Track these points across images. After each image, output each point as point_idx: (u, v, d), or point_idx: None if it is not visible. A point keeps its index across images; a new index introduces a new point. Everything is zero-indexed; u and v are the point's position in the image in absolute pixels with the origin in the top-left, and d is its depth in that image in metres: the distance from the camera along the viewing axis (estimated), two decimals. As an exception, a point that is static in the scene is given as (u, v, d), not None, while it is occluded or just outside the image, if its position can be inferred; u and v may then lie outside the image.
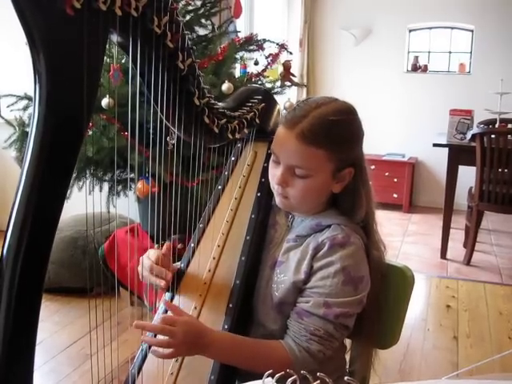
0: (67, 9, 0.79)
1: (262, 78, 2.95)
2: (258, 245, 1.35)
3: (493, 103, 4.25)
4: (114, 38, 1.00)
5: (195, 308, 1.28)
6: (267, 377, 0.78)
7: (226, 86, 2.49)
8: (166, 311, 1.26)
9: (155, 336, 1.16)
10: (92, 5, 0.84)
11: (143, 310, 2.67)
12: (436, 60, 6.09)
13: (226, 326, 1.23)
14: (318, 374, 0.74)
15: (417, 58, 6.08)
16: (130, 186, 2.78)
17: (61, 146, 0.85)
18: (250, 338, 1.24)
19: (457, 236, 4.60)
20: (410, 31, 6.04)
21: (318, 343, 1.19)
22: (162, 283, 1.26)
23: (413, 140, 5.95)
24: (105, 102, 2.28)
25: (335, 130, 1.21)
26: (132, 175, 2.71)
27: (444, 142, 4.25)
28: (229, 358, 1.19)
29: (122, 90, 2.18)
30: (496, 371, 2.31)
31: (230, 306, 1.25)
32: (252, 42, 2.95)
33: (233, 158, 1.53)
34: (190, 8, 2.89)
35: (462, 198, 4.79)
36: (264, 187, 1.42)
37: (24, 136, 2.66)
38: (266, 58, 2.96)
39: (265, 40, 2.98)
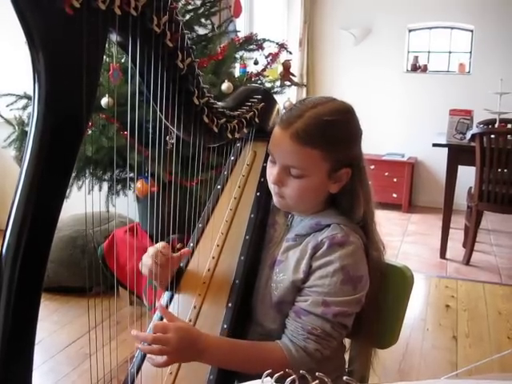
0: (66, 8, 0.79)
1: (261, 78, 2.95)
2: (257, 244, 1.35)
3: (492, 103, 4.25)
4: (114, 37, 1.00)
5: (194, 307, 1.28)
6: (266, 376, 0.78)
7: (225, 86, 2.49)
8: (161, 318, 1.25)
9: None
10: (91, 4, 0.84)
11: (142, 310, 2.67)
12: (436, 60, 6.09)
13: (225, 326, 1.23)
14: (317, 373, 0.73)
15: (416, 57, 6.08)
16: (130, 186, 2.78)
17: (60, 146, 0.85)
18: (246, 340, 1.24)
19: (456, 236, 4.60)
20: (410, 31, 6.04)
21: (316, 342, 1.19)
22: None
23: (412, 140, 5.95)
24: (104, 101, 2.28)
25: (330, 130, 1.20)
26: (131, 175, 2.72)
27: (444, 141, 4.25)
28: (225, 363, 1.19)
29: (122, 90, 2.18)
30: (495, 371, 2.31)
31: (230, 305, 1.25)
32: (252, 42, 2.95)
33: (232, 158, 1.53)
34: (190, 7, 2.89)
35: (461, 197, 4.79)
36: (263, 187, 1.42)
37: (23, 135, 2.66)
38: (266, 57, 2.96)
39: (264, 39, 2.98)
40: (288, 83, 3.09)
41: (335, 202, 1.31)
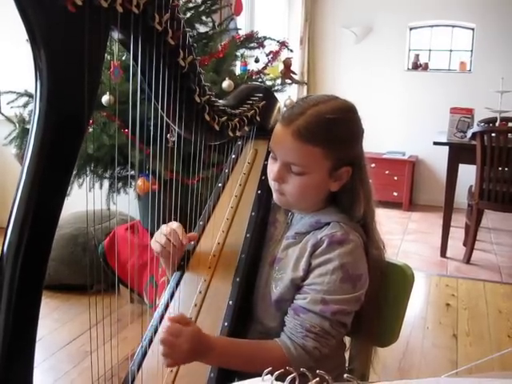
0: (68, 5, 0.79)
1: (262, 76, 2.95)
2: (257, 242, 1.35)
3: (493, 102, 4.25)
4: (115, 35, 1.00)
5: (195, 305, 1.28)
6: (266, 374, 0.78)
7: (226, 84, 2.49)
8: (162, 315, 1.26)
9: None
10: (93, 2, 0.84)
11: (143, 307, 2.68)
12: (437, 58, 6.09)
13: (225, 324, 1.23)
14: (318, 371, 0.74)
15: (417, 56, 6.07)
16: (130, 184, 2.78)
17: (62, 143, 0.85)
18: (245, 340, 1.24)
19: (457, 234, 4.60)
20: (411, 29, 6.04)
21: (314, 340, 1.19)
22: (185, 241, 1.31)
23: (413, 138, 5.95)
24: (105, 99, 2.28)
25: (332, 128, 1.20)
26: (132, 172, 2.72)
27: (444, 140, 4.25)
28: (225, 364, 1.19)
29: (123, 87, 2.18)
30: (495, 369, 2.31)
31: (230, 303, 1.25)
32: (252, 40, 2.94)
33: (233, 156, 1.53)
34: (191, 5, 2.89)
35: (462, 196, 4.79)
36: (264, 185, 1.42)
37: (24, 133, 2.66)
38: (267, 55, 2.95)
39: (265, 37, 2.98)
40: (289, 81, 3.08)
41: (335, 201, 1.31)
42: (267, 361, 1.18)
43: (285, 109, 1.39)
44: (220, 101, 1.37)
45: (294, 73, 3.16)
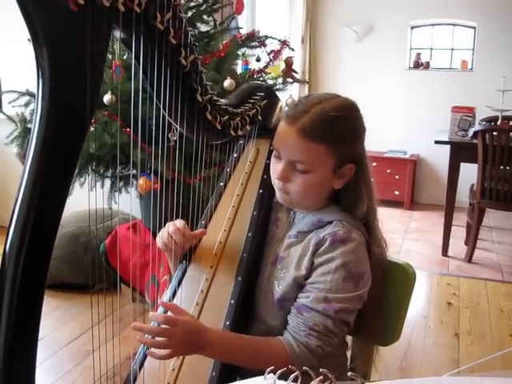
0: (71, 4, 0.79)
1: (263, 75, 2.95)
2: (259, 241, 1.35)
3: (495, 100, 4.25)
4: (117, 34, 1.00)
5: (197, 304, 1.28)
6: (269, 373, 0.78)
7: (227, 83, 2.49)
8: (165, 312, 1.26)
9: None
10: (95, 1, 0.84)
11: (145, 307, 2.68)
12: (438, 57, 6.08)
13: (227, 323, 1.23)
14: (321, 370, 0.74)
15: (419, 54, 6.06)
16: (132, 183, 2.78)
17: (64, 142, 0.85)
18: (248, 336, 1.24)
19: (458, 233, 4.60)
20: (412, 28, 6.03)
21: (317, 338, 1.19)
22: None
23: (414, 137, 5.94)
24: (107, 98, 2.28)
25: (336, 125, 1.21)
26: (134, 171, 2.72)
27: (446, 139, 4.24)
28: (227, 357, 1.19)
29: (124, 87, 2.18)
30: (497, 368, 2.31)
31: (232, 302, 1.25)
32: (254, 39, 2.94)
33: (235, 155, 1.53)
34: (192, 4, 2.89)
35: (463, 195, 4.78)
36: (266, 184, 1.42)
37: (26, 132, 2.66)
38: (268, 54, 2.95)
39: (267, 36, 2.97)
40: (290, 80, 3.08)
41: (337, 199, 1.31)
42: (270, 358, 1.18)
43: (286, 108, 1.39)
44: (222, 100, 1.37)
45: (296, 72, 3.16)
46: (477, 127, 4.02)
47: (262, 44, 2.95)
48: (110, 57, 1.80)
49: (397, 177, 5.77)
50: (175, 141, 1.45)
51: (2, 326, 0.84)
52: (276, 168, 1.26)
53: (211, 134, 1.33)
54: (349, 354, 1.43)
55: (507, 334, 3.06)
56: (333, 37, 6.17)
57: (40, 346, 0.89)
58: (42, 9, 0.77)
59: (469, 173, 4.35)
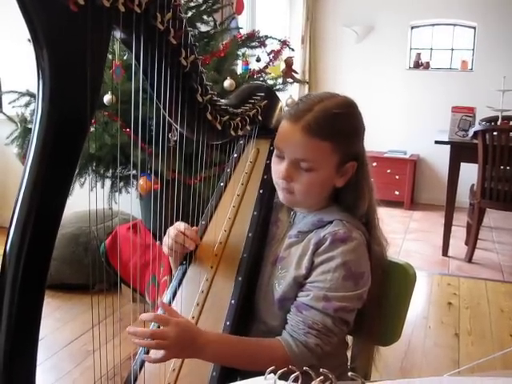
0: (71, 5, 0.79)
1: (263, 75, 2.95)
2: (260, 241, 1.35)
3: (495, 100, 4.25)
4: (117, 34, 1.00)
5: (197, 304, 1.28)
6: (269, 373, 0.78)
7: (227, 83, 2.49)
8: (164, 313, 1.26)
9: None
10: (95, 1, 0.84)
11: (145, 307, 2.68)
12: (438, 57, 6.08)
13: (227, 323, 1.23)
14: (321, 370, 0.74)
15: (419, 54, 6.06)
16: (132, 183, 2.78)
17: (64, 142, 0.85)
18: (246, 337, 1.24)
19: (458, 233, 4.60)
20: (413, 28, 6.03)
21: (316, 337, 1.19)
22: (191, 246, 1.33)
23: (415, 137, 5.95)
24: (107, 98, 2.28)
25: (339, 122, 1.22)
26: (134, 172, 2.72)
27: (446, 139, 4.24)
28: (226, 360, 1.19)
29: (124, 87, 2.18)
30: (497, 369, 2.31)
31: (232, 302, 1.25)
32: (254, 39, 2.94)
33: (235, 155, 1.53)
34: (192, 4, 2.88)
35: (463, 195, 4.78)
36: (266, 184, 1.42)
37: (26, 132, 2.66)
38: (268, 54, 2.95)
39: (267, 37, 2.97)
40: (290, 80, 3.08)
41: (338, 199, 1.32)
42: (269, 359, 1.18)
43: (287, 108, 1.39)
44: (222, 100, 1.37)
45: (296, 72, 3.16)
46: (477, 127, 4.02)
47: (262, 44, 2.95)
48: (110, 57, 1.80)
49: (397, 177, 5.77)
50: (175, 141, 1.45)
51: (3, 326, 0.84)
52: (279, 168, 1.26)
53: (211, 134, 1.33)
54: (349, 353, 1.43)
55: (507, 334, 3.06)
56: (333, 37, 6.17)
57: (40, 346, 0.89)
58: (42, 9, 0.77)
59: (469, 173, 4.35)
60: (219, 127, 1.33)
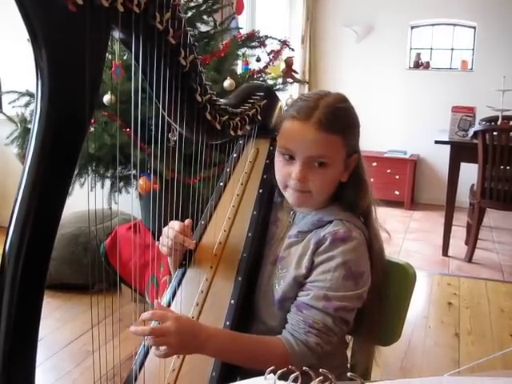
0: (69, 5, 0.79)
1: (263, 75, 2.94)
2: (259, 241, 1.35)
3: (495, 100, 4.24)
4: (116, 34, 1.00)
5: (197, 304, 1.28)
6: (269, 373, 0.78)
7: (227, 83, 2.49)
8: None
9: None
10: (94, 1, 0.84)
11: (145, 307, 2.68)
12: (438, 57, 6.08)
13: (227, 323, 1.23)
14: (321, 370, 0.74)
15: (419, 54, 6.06)
16: (132, 183, 2.78)
17: (63, 143, 0.85)
18: (248, 334, 1.23)
19: (458, 233, 4.60)
20: (412, 28, 6.03)
21: (316, 336, 1.19)
22: (191, 245, 1.33)
23: (415, 137, 5.94)
24: (106, 98, 2.28)
25: (344, 116, 1.25)
26: (134, 172, 2.71)
27: (446, 139, 4.24)
28: (227, 355, 1.19)
29: (124, 87, 2.18)
30: (497, 368, 2.31)
31: (232, 302, 1.25)
32: (254, 39, 2.94)
33: (235, 155, 1.53)
34: (192, 4, 2.88)
35: (463, 195, 4.78)
36: (266, 184, 1.42)
37: (26, 132, 2.66)
38: (268, 54, 2.95)
39: (267, 37, 2.97)
40: (290, 80, 3.08)
41: (338, 196, 1.31)
42: (269, 356, 1.19)
43: (286, 108, 1.39)
44: (221, 100, 1.37)
45: (296, 72, 3.16)
46: (477, 127, 4.02)
47: (262, 44, 2.95)
48: (110, 57, 1.80)
49: (397, 177, 5.77)
50: (175, 141, 1.45)
51: (2, 326, 0.83)
52: (289, 170, 1.25)
53: (211, 134, 1.33)
54: (349, 353, 1.43)
55: (507, 334, 3.06)
56: (333, 37, 6.17)
57: (40, 346, 0.89)
58: (40, 9, 0.77)
59: (469, 173, 4.35)
60: (218, 127, 1.33)
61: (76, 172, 2.55)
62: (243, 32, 3.12)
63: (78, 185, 2.59)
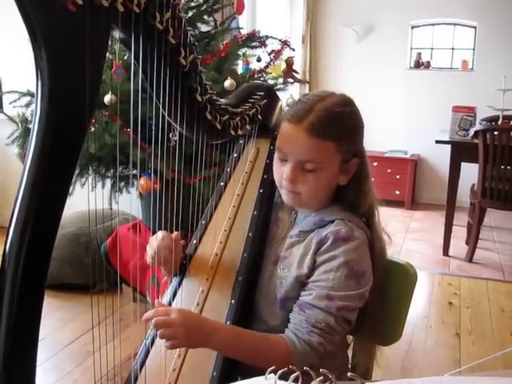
0: (69, 5, 0.79)
1: (264, 75, 2.94)
2: (260, 241, 1.35)
3: (496, 100, 4.24)
4: (116, 34, 1.00)
5: (197, 304, 1.28)
6: (270, 373, 0.78)
7: (228, 83, 2.49)
8: None
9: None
10: (94, 1, 0.84)
11: (146, 307, 2.67)
12: (439, 57, 6.08)
13: (228, 323, 1.22)
14: (321, 370, 0.73)
15: (419, 54, 6.06)
16: (133, 183, 2.78)
17: (63, 143, 0.85)
18: (251, 331, 1.23)
19: (459, 233, 4.59)
20: (413, 28, 6.03)
21: (319, 335, 1.19)
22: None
23: (415, 137, 5.94)
24: (107, 98, 2.27)
25: (341, 121, 1.22)
26: (134, 172, 2.71)
27: (446, 138, 4.24)
28: (230, 351, 1.19)
29: (124, 87, 2.18)
30: (498, 368, 2.31)
31: (233, 302, 1.25)
32: (254, 39, 2.94)
33: (235, 155, 1.53)
34: (193, 4, 2.88)
35: (464, 195, 4.78)
36: (266, 184, 1.42)
37: (26, 133, 2.66)
38: (269, 54, 2.95)
39: (267, 36, 2.97)
40: (291, 80, 3.08)
41: (339, 197, 1.31)
42: (272, 354, 1.19)
43: (287, 108, 1.39)
44: (221, 100, 1.37)
45: (296, 72, 3.16)
46: (477, 127, 4.02)
47: (263, 44, 2.95)
48: (111, 57, 1.80)
49: (397, 177, 5.77)
50: (175, 141, 1.45)
51: (2, 326, 0.83)
52: (282, 170, 1.26)
53: (211, 133, 1.33)
54: (350, 353, 1.43)
55: (508, 334, 3.06)
56: (333, 36, 6.17)
57: (41, 346, 0.89)
58: (40, 9, 0.77)
59: (469, 172, 4.35)
60: (219, 127, 1.33)
61: (77, 172, 2.55)
62: (244, 32, 3.11)
63: (79, 185, 2.59)
